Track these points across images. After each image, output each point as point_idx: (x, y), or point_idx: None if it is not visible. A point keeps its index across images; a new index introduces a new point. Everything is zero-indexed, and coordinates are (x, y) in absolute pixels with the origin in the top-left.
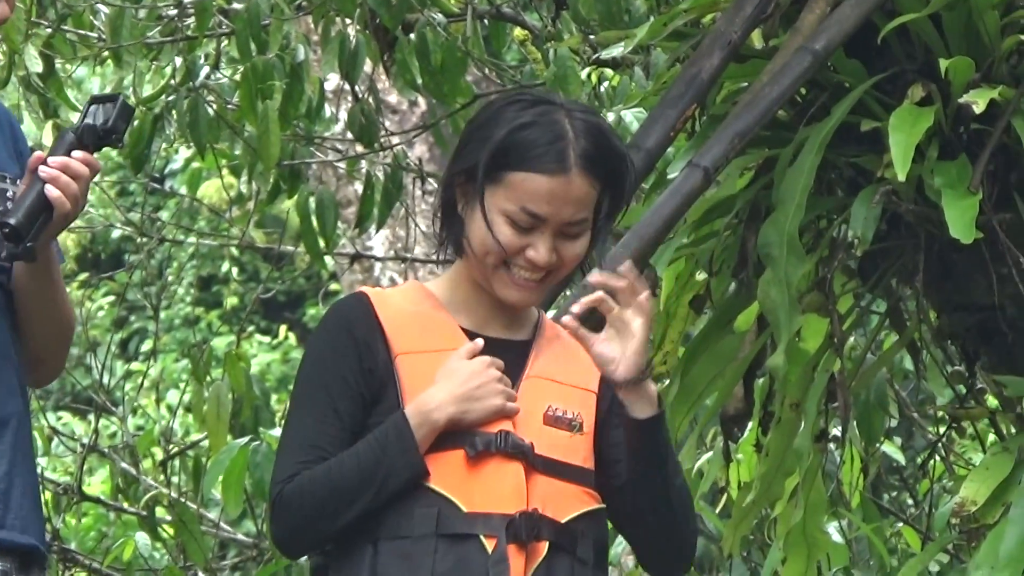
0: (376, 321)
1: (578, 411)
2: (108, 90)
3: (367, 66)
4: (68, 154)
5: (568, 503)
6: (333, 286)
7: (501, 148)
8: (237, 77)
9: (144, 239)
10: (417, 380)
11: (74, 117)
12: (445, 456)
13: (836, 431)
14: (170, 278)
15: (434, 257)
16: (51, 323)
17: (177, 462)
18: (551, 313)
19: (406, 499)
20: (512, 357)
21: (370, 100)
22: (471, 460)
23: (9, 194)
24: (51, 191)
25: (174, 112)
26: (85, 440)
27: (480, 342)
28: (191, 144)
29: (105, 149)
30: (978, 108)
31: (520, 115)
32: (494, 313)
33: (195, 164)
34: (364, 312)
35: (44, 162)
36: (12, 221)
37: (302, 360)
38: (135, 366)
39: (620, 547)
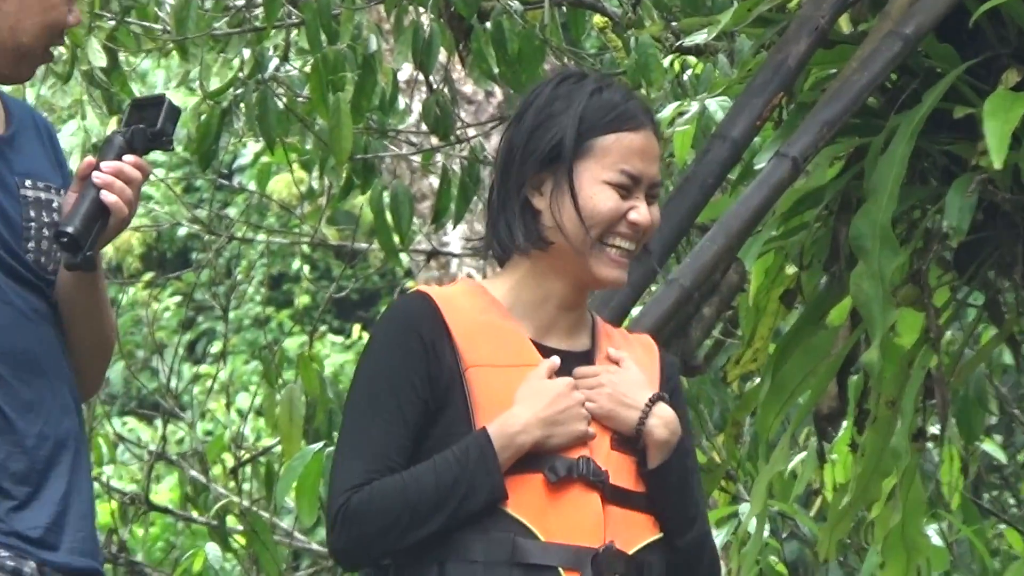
0: (444, 325)
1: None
2: (173, 84)
3: (441, 56)
4: (119, 158)
5: (635, 533)
6: (408, 284)
7: (585, 115)
8: (307, 69)
9: (212, 237)
10: (490, 395)
11: None
12: (523, 479)
13: (934, 429)
14: (239, 277)
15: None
16: (94, 334)
17: (248, 469)
18: (636, 309)
19: (480, 521)
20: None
21: (445, 91)
22: (551, 486)
23: (55, 205)
24: (107, 196)
25: (242, 106)
26: (152, 447)
27: (557, 360)
28: (260, 138)
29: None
30: None
31: (582, 85)
32: (557, 319)
33: (264, 159)
34: (431, 315)
35: (96, 167)
36: (70, 230)
37: (364, 357)
38: (204, 369)
39: None
